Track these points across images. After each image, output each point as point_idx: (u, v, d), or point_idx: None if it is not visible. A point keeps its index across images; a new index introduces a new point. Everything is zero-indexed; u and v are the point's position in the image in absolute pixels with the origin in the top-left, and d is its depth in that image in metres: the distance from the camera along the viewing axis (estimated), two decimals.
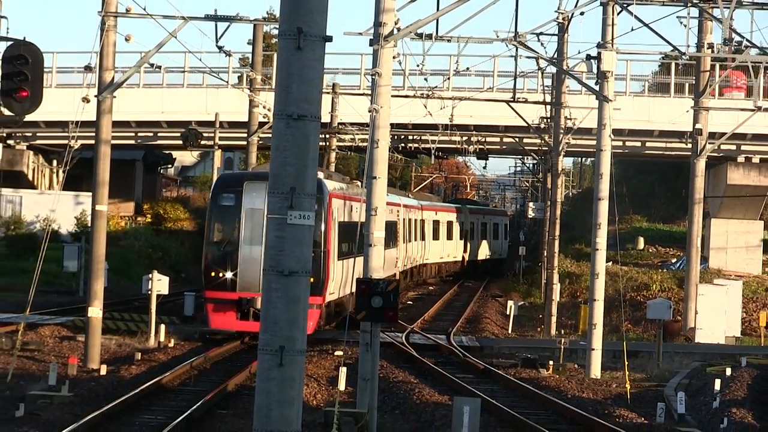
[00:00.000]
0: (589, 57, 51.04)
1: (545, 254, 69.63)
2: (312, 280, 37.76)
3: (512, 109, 67.94)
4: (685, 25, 51.19)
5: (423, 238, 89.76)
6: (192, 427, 29.68)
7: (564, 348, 47.55)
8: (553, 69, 62.98)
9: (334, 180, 55.69)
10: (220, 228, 48.52)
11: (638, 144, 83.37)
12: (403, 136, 78.68)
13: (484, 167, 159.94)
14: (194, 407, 32.08)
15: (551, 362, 45.50)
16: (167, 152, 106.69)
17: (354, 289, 47.31)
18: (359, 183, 60.62)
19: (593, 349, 43.63)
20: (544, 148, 76.91)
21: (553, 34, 55.53)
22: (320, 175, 47.77)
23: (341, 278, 52.22)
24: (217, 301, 47.19)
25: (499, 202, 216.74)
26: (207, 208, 49.58)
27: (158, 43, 43.00)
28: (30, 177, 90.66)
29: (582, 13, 46.33)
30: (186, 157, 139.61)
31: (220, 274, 47.04)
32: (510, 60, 67.93)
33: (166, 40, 43.06)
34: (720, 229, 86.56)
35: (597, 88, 44.97)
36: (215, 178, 69.06)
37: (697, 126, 60.86)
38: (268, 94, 58.90)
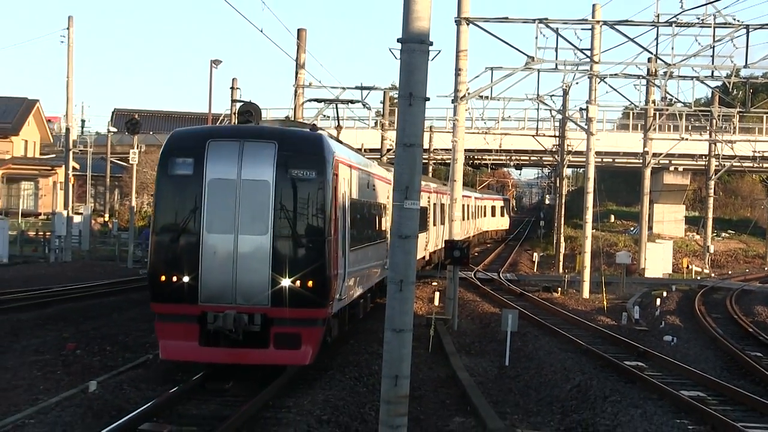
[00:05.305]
0: (581, 109, 50.73)
1: (556, 225, 69.13)
2: (310, 284, 18.54)
3: (536, 140, 67.92)
4: (638, 89, 50.95)
5: (484, 215, 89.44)
6: (357, 323, 29.01)
7: (567, 280, 47.20)
8: (560, 116, 62.42)
9: (347, 148, 24.51)
10: (171, 209, 19.14)
11: (610, 160, 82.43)
12: (471, 156, 78.29)
13: (519, 174, 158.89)
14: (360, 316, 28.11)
15: (560, 288, 45.16)
16: None
17: (371, 286, 28.08)
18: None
19: (584, 281, 43.39)
20: (555, 163, 76.38)
21: (560, 95, 55.05)
22: (323, 133, 20.85)
23: (353, 274, 22.55)
24: (170, 318, 18.69)
25: (528, 196, 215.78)
26: (155, 181, 19.69)
27: (329, 103, 43.24)
28: None
29: (577, 83, 46.03)
30: None
31: (174, 279, 18.63)
32: (534, 111, 67.74)
33: (334, 100, 43.33)
34: (659, 210, 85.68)
35: (586, 127, 44.67)
36: None
37: (645, 149, 60.51)
38: (392, 132, 58.79)
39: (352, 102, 35.11)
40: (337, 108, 32.92)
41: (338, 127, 32.48)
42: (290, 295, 18.56)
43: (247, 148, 19.03)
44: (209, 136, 19.34)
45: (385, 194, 29.75)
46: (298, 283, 18.56)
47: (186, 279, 18.63)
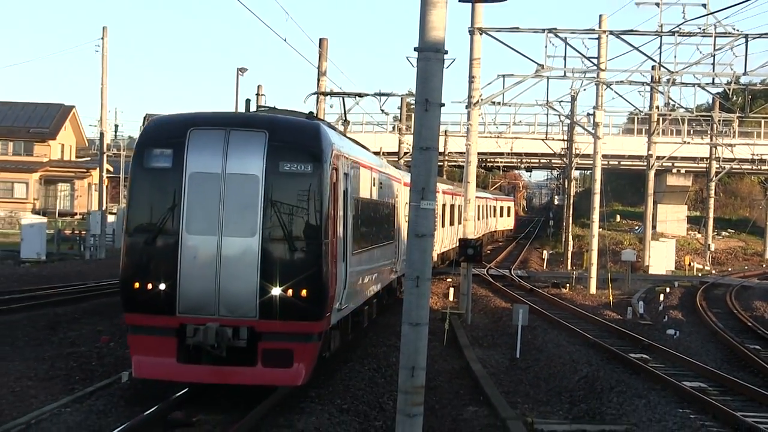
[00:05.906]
0: (588, 114, 50.52)
1: (564, 224, 68.99)
2: (304, 293, 15.23)
3: (545, 144, 67.81)
4: (642, 95, 50.80)
5: (495, 216, 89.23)
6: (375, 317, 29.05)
7: (575, 276, 47.06)
8: (568, 121, 62.27)
9: (352, 142, 21.32)
10: (147, 207, 15.62)
11: (616, 162, 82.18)
12: (484, 159, 78.17)
13: (530, 176, 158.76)
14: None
15: (568, 285, 45.05)
16: None
17: (377, 291, 24.12)
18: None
19: (591, 277, 43.23)
20: (563, 166, 76.24)
21: (568, 101, 54.94)
22: (321, 122, 17.49)
23: (356, 280, 19.29)
24: (144, 331, 15.33)
25: (538, 197, 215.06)
26: (129, 175, 16.03)
27: (348, 108, 43.21)
28: None
29: (584, 90, 45.87)
30: None
31: (148, 286, 15.17)
32: (544, 116, 68.07)
33: (352, 106, 43.19)
34: (662, 210, 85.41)
35: (593, 131, 44.54)
36: None
37: (649, 152, 60.35)
38: (409, 136, 58.75)
39: (360, 96, 34.67)
40: (343, 101, 31.65)
41: (345, 122, 30.88)
42: (281, 306, 15.23)
43: (234, 138, 15.58)
44: (191, 123, 15.76)
45: (394, 193, 26.82)
46: (290, 292, 15.25)
47: (162, 286, 15.26)
